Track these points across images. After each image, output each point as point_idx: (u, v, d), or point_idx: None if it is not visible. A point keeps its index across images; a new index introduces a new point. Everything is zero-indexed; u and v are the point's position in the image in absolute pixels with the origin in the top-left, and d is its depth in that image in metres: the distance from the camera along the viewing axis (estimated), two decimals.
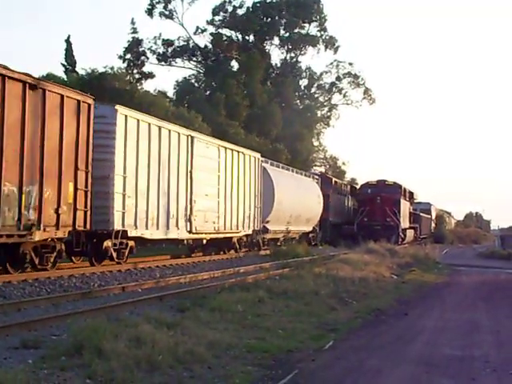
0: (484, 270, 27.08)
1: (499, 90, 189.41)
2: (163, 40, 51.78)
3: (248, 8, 52.84)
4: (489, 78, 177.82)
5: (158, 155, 18.55)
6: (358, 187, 46.79)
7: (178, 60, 53.36)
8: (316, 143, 59.18)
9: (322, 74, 57.75)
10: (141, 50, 50.39)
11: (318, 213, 35.58)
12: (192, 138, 21.04)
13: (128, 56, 49.57)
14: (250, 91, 46.43)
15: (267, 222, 27.85)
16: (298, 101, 56.66)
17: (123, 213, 16.85)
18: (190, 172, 20.70)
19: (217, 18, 53.20)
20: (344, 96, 58.43)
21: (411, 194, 48.49)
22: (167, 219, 19.23)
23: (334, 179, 43.39)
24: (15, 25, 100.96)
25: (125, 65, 48.20)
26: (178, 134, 20.08)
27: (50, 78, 29.59)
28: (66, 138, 14.53)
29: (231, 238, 24.44)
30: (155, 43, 51.41)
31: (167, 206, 19.20)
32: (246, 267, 19.72)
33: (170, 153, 19.40)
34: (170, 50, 52.50)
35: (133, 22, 49.98)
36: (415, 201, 52.26)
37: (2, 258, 13.59)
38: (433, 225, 64.67)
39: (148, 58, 50.98)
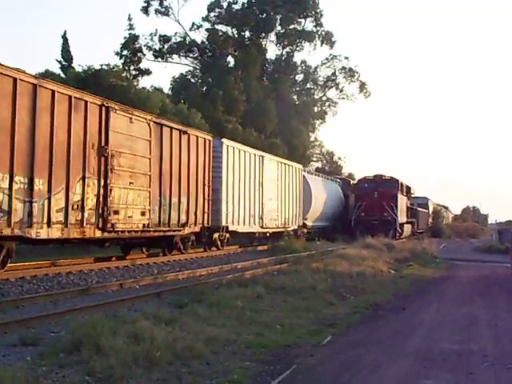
0: (481, 265, 27.11)
1: (496, 87, 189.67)
2: (160, 36, 51.70)
3: (243, 4, 52.70)
4: (486, 73, 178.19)
5: (244, 171, 25.62)
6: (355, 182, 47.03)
7: (175, 56, 53.16)
8: (312, 138, 59.17)
9: (316, 67, 57.73)
10: (137, 46, 50.06)
11: (340, 210, 43.12)
12: (262, 157, 28.06)
13: (125, 52, 49.30)
14: (247, 87, 46.31)
15: (306, 218, 34.65)
16: (295, 96, 56.55)
17: (226, 214, 23.81)
18: (261, 182, 27.54)
19: (212, 14, 53.01)
20: (340, 91, 58.44)
21: (408, 188, 48.43)
22: (249, 218, 26.09)
23: (351, 181, 48.41)
24: (13, 21, 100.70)
25: (121, 61, 48.00)
26: (255, 155, 27.12)
27: (48, 75, 29.47)
28: (200, 164, 21.46)
29: (283, 231, 30.01)
30: (151, 40, 51.17)
31: (249, 208, 26.03)
32: (244, 263, 19.77)
33: (250, 169, 26.34)
34: (166, 46, 52.26)
35: (129, 19, 49.85)
36: (412, 195, 52.20)
37: (163, 245, 20.38)
38: (430, 219, 64.64)
39: (144, 55, 50.65)
